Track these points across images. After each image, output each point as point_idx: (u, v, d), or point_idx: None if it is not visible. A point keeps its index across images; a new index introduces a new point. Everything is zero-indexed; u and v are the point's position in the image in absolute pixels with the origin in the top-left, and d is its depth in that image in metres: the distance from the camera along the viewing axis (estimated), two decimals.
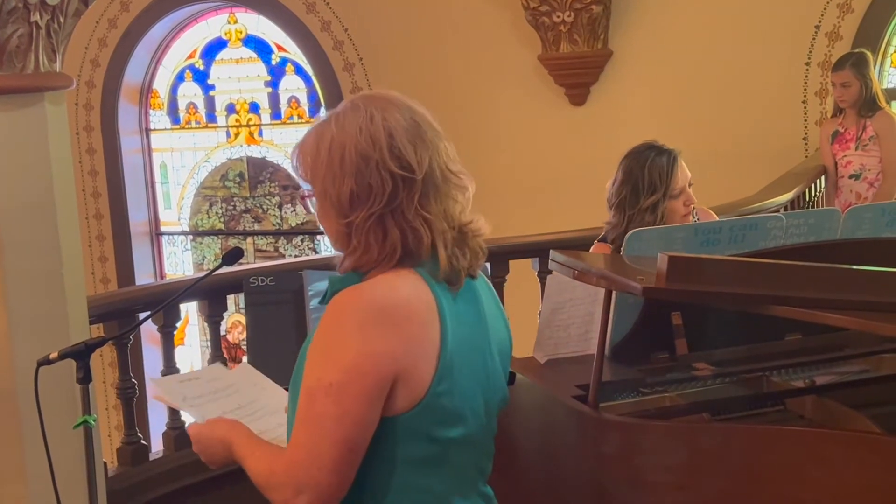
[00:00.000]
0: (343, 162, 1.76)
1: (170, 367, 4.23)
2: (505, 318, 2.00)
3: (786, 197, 5.41)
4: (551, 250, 2.93)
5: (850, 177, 5.96)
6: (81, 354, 2.28)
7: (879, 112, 5.87)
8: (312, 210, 1.86)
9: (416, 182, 1.76)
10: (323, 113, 8.43)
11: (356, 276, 1.81)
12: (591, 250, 3.61)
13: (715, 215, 3.69)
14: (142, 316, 4.05)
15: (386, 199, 1.75)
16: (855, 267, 2.49)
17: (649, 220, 3.41)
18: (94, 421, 2.32)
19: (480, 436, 1.86)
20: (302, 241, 8.76)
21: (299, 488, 1.73)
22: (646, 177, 3.42)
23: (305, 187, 1.85)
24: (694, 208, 3.55)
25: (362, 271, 1.81)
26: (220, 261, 2.27)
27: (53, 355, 2.30)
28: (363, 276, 1.80)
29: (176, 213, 9.10)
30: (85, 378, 2.28)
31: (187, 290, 2.38)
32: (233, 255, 2.27)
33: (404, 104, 1.83)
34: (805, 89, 6.85)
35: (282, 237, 8.79)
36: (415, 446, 1.77)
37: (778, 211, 5.02)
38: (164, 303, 2.52)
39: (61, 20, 3.19)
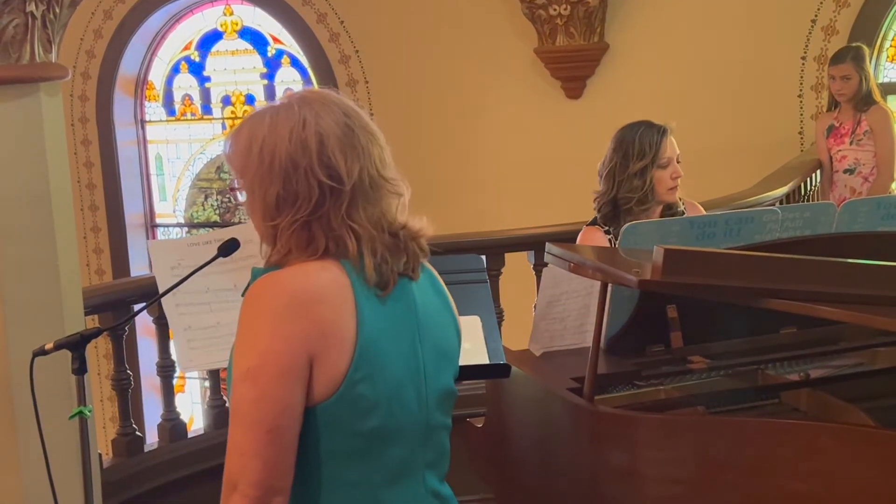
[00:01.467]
0: (272, 166, 1.77)
1: (165, 359, 4.23)
2: (453, 313, 1.99)
3: (781, 191, 5.41)
4: (547, 243, 2.93)
5: (845, 171, 5.95)
6: (77, 345, 2.28)
7: (874, 106, 5.87)
8: (241, 199, 1.86)
9: (344, 192, 1.77)
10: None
11: (274, 269, 1.82)
12: (580, 235, 3.63)
13: (702, 209, 3.72)
14: (137, 307, 4.05)
15: (312, 207, 1.77)
16: (850, 261, 2.50)
17: (637, 184, 3.48)
18: (89, 412, 2.32)
19: (412, 428, 1.85)
20: None
21: (232, 482, 1.74)
22: (636, 144, 3.51)
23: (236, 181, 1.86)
24: (682, 200, 3.59)
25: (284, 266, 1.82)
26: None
27: (49, 346, 2.30)
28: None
29: (171, 204, 9.08)
30: (80, 369, 2.28)
31: (183, 281, 2.38)
32: (229, 247, 2.27)
33: (340, 107, 1.82)
34: (801, 83, 6.85)
35: None
36: (339, 438, 1.77)
37: (773, 204, 5.02)
38: (160, 294, 2.52)
39: (57, 10, 3.18)
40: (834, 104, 6.03)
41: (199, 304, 2.89)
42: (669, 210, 3.55)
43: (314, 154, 1.76)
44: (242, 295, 1.83)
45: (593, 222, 3.61)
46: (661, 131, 3.55)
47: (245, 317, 1.76)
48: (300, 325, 1.72)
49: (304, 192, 1.76)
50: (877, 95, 5.90)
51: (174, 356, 3.05)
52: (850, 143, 5.92)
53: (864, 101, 5.85)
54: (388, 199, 1.83)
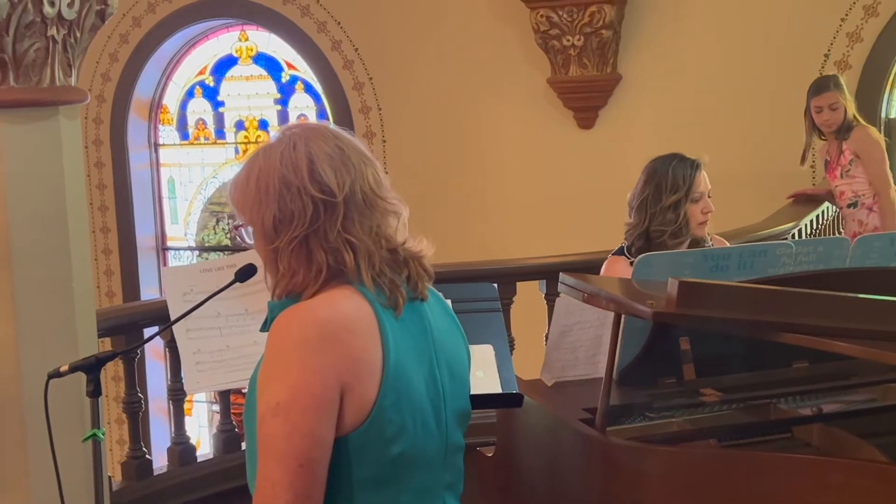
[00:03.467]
0: (267, 190, 1.81)
1: (176, 382, 4.24)
2: (462, 333, 2.01)
3: (793, 224, 5.41)
4: (561, 273, 2.93)
5: (848, 206, 5.70)
6: (92, 368, 2.28)
7: (853, 130, 5.55)
8: (248, 240, 1.89)
9: (337, 205, 1.79)
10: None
11: (292, 301, 1.83)
12: (605, 264, 3.62)
13: (728, 244, 3.71)
14: (148, 331, 4.06)
15: (308, 222, 1.79)
16: (864, 296, 2.49)
17: (671, 217, 3.48)
18: (102, 434, 2.32)
19: (435, 452, 1.86)
20: None
21: None
22: (669, 177, 3.51)
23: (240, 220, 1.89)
24: (710, 235, 3.59)
25: (295, 294, 1.84)
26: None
27: (64, 368, 2.30)
28: (299, 298, 1.83)
29: (183, 228, 9.11)
30: (95, 391, 2.28)
31: (199, 306, 2.38)
32: (246, 272, 2.28)
33: (331, 133, 1.86)
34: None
35: None
36: (367, 465, 1.78)
37: (785, 238, 5.02)
38: (174, 319, 2.53)
39: (78, 35, 3.22)
40: (818, 136, 5.69)
41: (209, 328, 2.91)
42: (697, 245, 3.54)
43: (305, 172, 1.80)
44: (263, 329, 1.85)
45: (619, 251, 3.60)
46: (695, 165, 3.54)
47: (272, 348, 1.75)
48: (330, 355, 1.73)
49: (299, 209, 1.79)
50: (858, 119, 5.60)
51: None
52: (841, 177, 5.66)
53: (846, 128, 5.55)
54: (385, 216, 1.85)
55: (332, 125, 1.91)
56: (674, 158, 3.57)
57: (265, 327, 1.84)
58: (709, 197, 3.55)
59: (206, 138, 8.97)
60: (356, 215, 1.80)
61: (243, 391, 2.21)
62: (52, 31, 3.11)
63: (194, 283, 2.90)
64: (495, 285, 2.87)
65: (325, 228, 1.79)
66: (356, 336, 1.75)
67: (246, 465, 1.88)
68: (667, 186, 3.50)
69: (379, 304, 1.80)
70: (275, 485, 1.71)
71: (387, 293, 1.81)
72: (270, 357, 1.75)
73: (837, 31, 6.76)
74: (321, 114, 8.47)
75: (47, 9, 3.07)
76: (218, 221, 9.05)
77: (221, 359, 2.92)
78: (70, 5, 3.14)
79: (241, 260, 2.54)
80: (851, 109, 5.60)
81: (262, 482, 1.73)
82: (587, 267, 4.26)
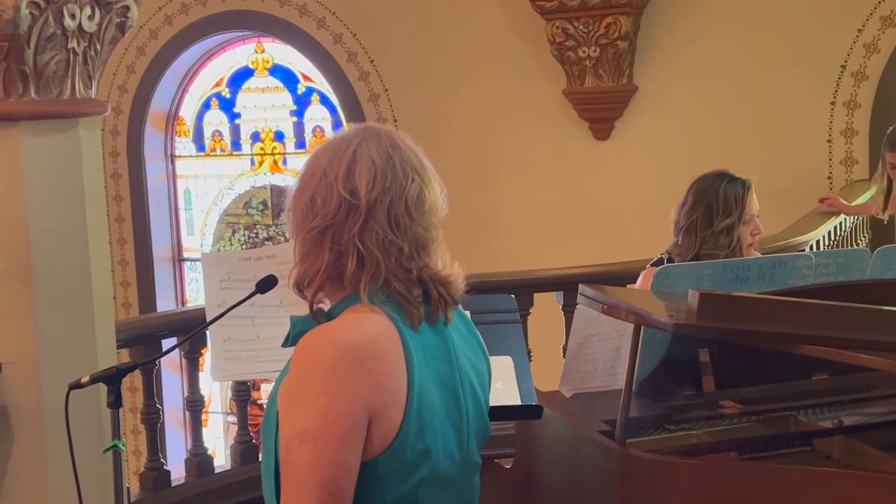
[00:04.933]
0: (312, 177, 1.83)
1: (194, 393, 4.25)
2: (486, 353, 2.00)
3: (810, 235, 5.40)
4: (580, 284, 2.93)
5: None
6: (113, 379, 2.28)
7: None
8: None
9: (359, 209, 1.78)
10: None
11: (323, 316, 1.82)
12: (641, 275, 3.59)
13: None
14: (167, 342, 4.06)
15: (328, 217, 1.79)
16: (884, 308, 2.48)
17: (724, 242, 3.42)
18: (123, 445, 2.33)
19: (456, 473, 1.85)
20: None
21: None
22: (720, 200, 3.43)
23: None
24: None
25: (304, 287, 1.83)
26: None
27: (85, 379, 2.30)
28: (325, 315, 1.82)
29: (199, 239, 9.14)
30: (116, 402, 2.29)
31: (219, 318, 2.39)
32: (266, 284, 2.28)
33: (388, 140, 1.84)
34: (830, 128, 6.85)
35: None
36: (391, 491, 1.76)
37: (803, 249, 5.00)
38: (196, 330, 2.54)
39: (98, 47, 3.23)
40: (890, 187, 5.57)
41: (242, 317, 2.85)
42: None
43: (343, 170, 1.80)
44: (285, 345, 1.84)
45: (657, 263, 3.54)
46: (746, 186, 3.47)
47: (298, 371, 1.73)
48: (359, 383, 1.71)
49: (327, 202, 1.79)
50: None
51: (208, 370, 3.00)
52: None
53: None
54: (411, 236, 1.81)
55: (402, 134, 1.89)
56: (723, 179, 3.48)
57: (287, 342, 1.83)
58: (757, 216, 3.47)
59: (223, 150, 9.00)
60: (375, 225, 1.78)
61: (259, 403, 2.20)
62: (73, 44, 3.12)
63: (232, 271, 2.85)
64: (513, 296, 2.87)
65: (343, 229, 1.78)
66: (383, 364, 1.73)
67: (262, 478, 1.87)
68: (718, 209, 3.42)
69: (403, 325, 1.78)
70: None
71: (400, 308, 1.79)
72: (297, 382, 1.73)
73: (854, 42, 6.74)
74: (336, 125, 8.49)
75: (68, 21, 3.08)
76: (234, 233, 9.08)
77: (251, 349, 2.88)
78: (90, 18, 3.15)
79: (280, 251, 2.50)
80: None
81: None
82: (603, 278, 4.26)
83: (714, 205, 3.43)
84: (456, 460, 1.84)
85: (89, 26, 3.16)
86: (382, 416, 1.73)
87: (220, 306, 2.53)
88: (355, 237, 1.78)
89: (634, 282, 4.51)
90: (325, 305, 1.86)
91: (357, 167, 1.80)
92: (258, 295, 2.31)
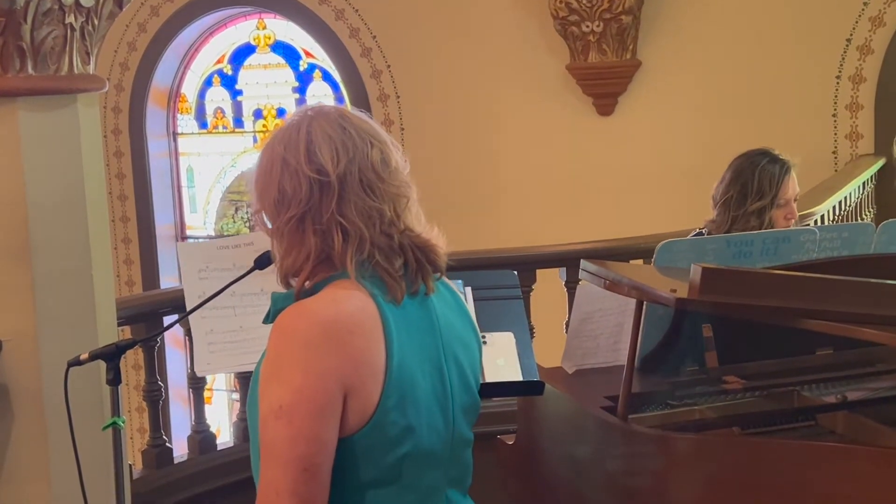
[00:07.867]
0: (271, 171, 1.81)
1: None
2: (475, 327, 1.98)
3: (815, 209, 5.36)
4: (582, 260, 2.92)
5: None
6: (112, 356, 2.27)
7: None
8: (266, 225, 1.88)
9: (331, 185, 1.77)
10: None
11: (305, 293, 1.80)
12: None
13: None
14: (169, 318, 4.05)
15: (303, 202, 1.78)
16: (889, 282, 2.46)
17: (754, 224, 3.37)
18: (122, 423, 2.32)
19: (443, 449, 1.83)
20: None
21: None
22: (755, 180, 3.38)
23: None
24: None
25: (293, 277, 1.82)
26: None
27: (84, 356, 2.29)
28: (308, 292, 1.80)
29: (201, 217, 9.13)
30: (115, 379, 2.27)
31: (218, 294, 2.37)
32: (265, 260, 2.26)
33: (337, 114, 1.84)
34: (835, 103, 6.81)
35: None
36: (372, 467, 1.75)
37: (808, 223, 4.97)
38: (196, 306, 2.52)
39: (95, 22, 3.20)
40: None
41: (223, 307, 2.83)
42: None
43: (302, 153, 1.79)
44: (265, 321, 1.83)
45: (697, 236, 3.48)
46: (785, 168, 3.40)
47: (275, 348, 1.73)
48: (334, 358, 1.70)
49: (296, 189, 1.78)
50: None
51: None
52: None
53: None
54: (388, 199, 1.81)
55: (345, 107, 1.89)
56: (764, 157, 3.42)
57: (268, 319, 1.82)
58: (795, 201, 3.41)
59: (225, 127, 8.98)
60: (352, 196, 1.78)
61: None
62: (70, 19, 3.09)
63: (210, 260, 2.83)
64: (516, 273, 2.85)
65: (320, 209, 1.77)
66: (359, 337, 1.72)
67: (251, 457, 1.86)
68: (752, 190, 3.37)
69: (382, 299, 1.77)
70: (278, 491, 1.69)
71: (383, 284, 1.78)
72: (273, 357, 1.73)
73: (860, 16, 6.69)
74: (339, 102, 8.46)
75: None
76: (237, 210, 9.07)
77: (234, 340, 2.86)
78: None
79: (257, 238, 2.49)
80: None
81: (264, 487, 1.71)
82: (606, 254, 4.24)
83: (749, 184, 3.39)
84: (442, 436, 1.83)
85: (86, 1, 3.13)
86: (359, 390, 1.72)
87: (200, 297, 2.50)
88: (335, 213, 1.77)
89: (638, 258, 4.51)
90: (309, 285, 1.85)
91: (315, 146, 1.79)
92: (239, 282, 2.29)
